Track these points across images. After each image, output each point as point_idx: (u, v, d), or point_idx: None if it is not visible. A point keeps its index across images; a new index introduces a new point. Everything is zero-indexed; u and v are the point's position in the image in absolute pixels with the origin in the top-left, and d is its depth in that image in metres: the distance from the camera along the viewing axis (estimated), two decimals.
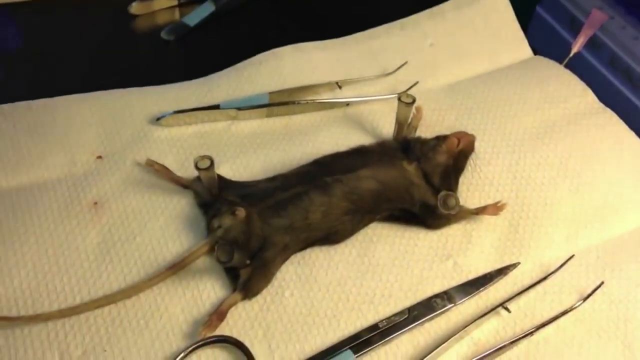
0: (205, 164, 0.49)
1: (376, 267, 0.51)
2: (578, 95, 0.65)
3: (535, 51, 0.72)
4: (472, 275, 0.51)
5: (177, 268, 0.49)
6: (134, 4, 0.76)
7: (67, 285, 0.48)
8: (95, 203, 0.54)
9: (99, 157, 0.57)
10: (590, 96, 0.65)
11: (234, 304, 0.47)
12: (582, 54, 0.72)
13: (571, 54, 0.67)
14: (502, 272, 0.51)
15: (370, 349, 0.46)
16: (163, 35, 0.74)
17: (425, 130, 0.60)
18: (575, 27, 0.74)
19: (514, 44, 0.72)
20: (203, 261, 0.50)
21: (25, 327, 0.45)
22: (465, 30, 0.73)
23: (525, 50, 0.72)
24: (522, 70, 0.69)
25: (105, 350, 0.45)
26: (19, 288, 0.48)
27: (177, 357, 0.44)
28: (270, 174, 0.54)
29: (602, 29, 0.71)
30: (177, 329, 0.46)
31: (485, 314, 0.47)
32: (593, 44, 0.72)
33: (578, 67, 0.68)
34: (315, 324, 0.47)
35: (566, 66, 0.68)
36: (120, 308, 0.47)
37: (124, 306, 0.47)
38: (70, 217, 0.52)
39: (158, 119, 0.60)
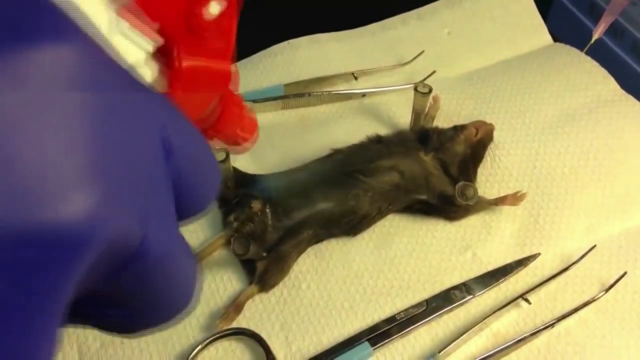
0: (220, 156, 0.49)
1: (393, 259, 0.50)
2: (599, 82, 0.64)
3: (555, 38, 0.71)
4: (491, 267, 0.50)
5: None
6: None
7: None
8: None
9: None
10: (612, 83, 0.64)
11: (251, 296, 0.47)
12: (603, 41, 0.70)
13: (592, 41, 0.65)
14: (522, 263, 0.50)
15: (388, 341, 0.45)
16: None
17: (443, 120, 0.59)
18: (595, 13, 0.72)
19: (533, 31, 0.71)
20: (220, 254, 0.50)
21: None
22: (484, 18, 0.72)
23: (545, 38, 0.71)
24: (542, 58, 0.67)
25: (123, 343, 0.45)
26: None
27: (194, 349, 0.44)
28: (286, 166, 0.54)
29: (624, 15, 0.69)
30: (195, 321, 0.46)
31: (505, 305, 0.47)
32: (614, 30, 0.71)
33: (599, 54, 0.66)
34: (332, 316, 0.47)
35: (587, 53, 0.67)
36: None
37: None
38: None
39: None
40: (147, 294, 0.18)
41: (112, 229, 0.15)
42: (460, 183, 0.51)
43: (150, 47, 0.24)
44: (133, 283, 0.17)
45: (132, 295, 0.18)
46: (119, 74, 0.17)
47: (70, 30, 0.15)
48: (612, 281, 0.48)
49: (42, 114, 0.14)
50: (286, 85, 0.62)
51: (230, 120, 0.34)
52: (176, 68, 0.25)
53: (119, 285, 0.17)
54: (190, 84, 0.27)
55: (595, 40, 0.65)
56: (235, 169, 0.52)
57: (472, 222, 0.53)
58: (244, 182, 0.52)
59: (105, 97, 0.16)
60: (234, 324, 0.46)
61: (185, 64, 0.26)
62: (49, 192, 0.14)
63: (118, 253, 0.15)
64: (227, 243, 0.49)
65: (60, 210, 0.14)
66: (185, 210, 0.19)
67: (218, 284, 0.48)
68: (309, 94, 0.62)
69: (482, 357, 0.44)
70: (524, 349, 0.46)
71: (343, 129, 0.60)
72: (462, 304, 0.48)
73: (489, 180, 0.56)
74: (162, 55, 0.25)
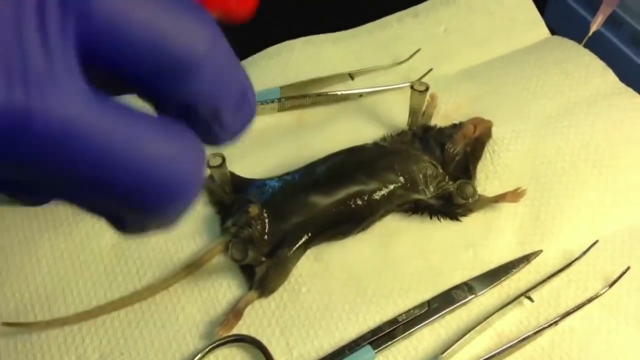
0: (217, 161, 0.49)
1: (394, 260, 0.50)
2: (598, 75, 0.63)
3: (553, 31, 0.70)
4: (493, 265, 0.49)
5: (192, 268, 0.48)
6: None
7: (83, 288, 0.48)
8: None
9: None
10: (611, 76, 0.63)
11: (251, 302, 0.47)
12: (601, 33, 0.70)
13: (590, 33, 0.64)
14: (524, 260, 0.49)
15: (390, 344, 0.45)
16: None
17: (441, 119, 0.59)
18: (593, 5, 0.71)
19: (530, 24, 0.70)
20: (218, 260, 0.50)
21: (42, 332, 0.45)
22: (480, 14, 0.71)
23: (542, 31, 0.70)
24: (540, 52, 0.67)
25: (123, 353, 0.45)
26: (35, 293, 0.48)
27: (194, 357, 0.44)
28: (283, 169, 0.54)
29: (622, 6, 0.68)
30: (194, 329, 0.46)
31: (508, 304, 0.46)
32: (613, 21, 0.70)
33: (598, 46, 0.66)
34: (334, 320, 0.47)
35: (585, 46, 0.66)
36: (137, 310, 0.47)
37: (140, 308, 0.47)
38: (84, 220, 0.52)
39: None
40: (81, 177, 0.16)
41: None
42: (459, 181, 0.50)
43: None
44: (42, 161, 0.15)
45: (65, 178, 0.16)
46: None
47: None
48: (615, 276, 0.48)
49: None
50: (282, 88, 0.62)
51: None
52: None
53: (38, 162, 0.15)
54: None
55: (594, 33, 0.64)
56: (232, 173, 0.52)
57: (472, 221, 0.52)
58: (241, 187, 0.52)
59: None
60: (234, 331, 0.45)
61: None
62: None
63: None
64: (226, 249, 0.49)
65: None
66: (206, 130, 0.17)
67: (217, 291, 0.48)
68: (305, 96, 0.61)
69: (486, 357, 0.44)
70: (528, 348, 0.45)
71: (340, 130, 0.59)
72: (464, 304, 0.47)
73: (489, 177, 0.55)
74: None
